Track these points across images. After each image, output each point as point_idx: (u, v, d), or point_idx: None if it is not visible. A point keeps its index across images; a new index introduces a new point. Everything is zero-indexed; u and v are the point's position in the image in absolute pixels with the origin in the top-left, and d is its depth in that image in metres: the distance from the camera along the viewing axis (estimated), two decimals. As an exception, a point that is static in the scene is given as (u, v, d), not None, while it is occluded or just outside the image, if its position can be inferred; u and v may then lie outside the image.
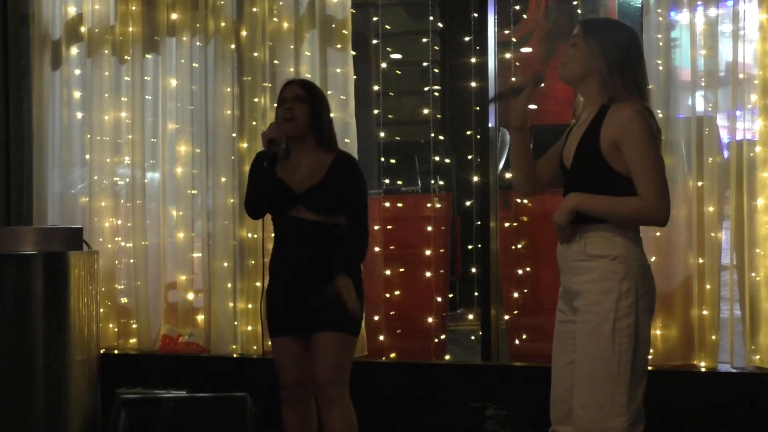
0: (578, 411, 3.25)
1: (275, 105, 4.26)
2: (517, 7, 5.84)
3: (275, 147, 4.08)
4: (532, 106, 3.49)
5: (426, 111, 6.17)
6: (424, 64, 6.74)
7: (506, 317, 5.55)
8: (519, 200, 5.70)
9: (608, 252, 3.22)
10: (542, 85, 3.47)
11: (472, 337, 6.32)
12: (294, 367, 4.14)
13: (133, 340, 5.99)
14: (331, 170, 4.12)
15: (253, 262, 5.69)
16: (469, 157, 5.53)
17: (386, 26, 6.22)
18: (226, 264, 5.74)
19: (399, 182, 6.95)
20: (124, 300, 6.01)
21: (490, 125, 5.38)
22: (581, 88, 3.39)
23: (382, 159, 6.12)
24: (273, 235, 4.25)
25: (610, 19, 3.52)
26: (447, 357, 5.77)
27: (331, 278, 4.02)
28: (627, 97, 3.24)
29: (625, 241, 3.22)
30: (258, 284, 5.65)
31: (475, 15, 5.51)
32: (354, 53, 5.71)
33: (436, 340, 5.73)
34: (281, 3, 5.78)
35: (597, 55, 3.29)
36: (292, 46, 5.72)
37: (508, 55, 5.65)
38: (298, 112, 4.11)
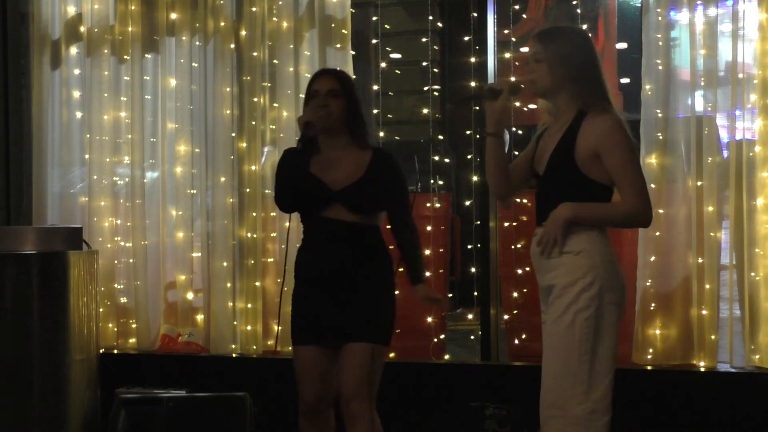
0: (542, 397, 3.36)
1: (302, 96, 4.05)
2: (517, 7, 5.82)
3: (312, 131, 3.78)
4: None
5: (425, 110, 6.17)
6: (424, 63, 6.73)
7: (506, 317, 5.55)
8: (518, 200, 5.70)
9: (573, 247, 3.34)
10: (519, 93, 3.57)
11: (472, 337, 6.31)
12: (317, 380, 3.90)
13: (132, 340, 5.99)
14: (371, 168, 3.88)
15: (252, 261, 5.69)
16: (469, 156, 5.53)
17: (386, 26, 6.20)
18: (225, 264, 5.74)
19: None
20: (123, 299, 6.01)
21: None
22: (553, 100, 3.48)
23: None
24: (302, 235, 4.00)
25: (562, 26, 3.70)
26: (446, 357, 5.77)
27: (367, 283, 3.87)
28: (598, 105, 3.34)
29: (588, 236, 3.34)
30: (257, 284, 5.66)
31: (475, 14, 5.50)
32: (353, 53, 5.70)
33: (436, 340, 5.73)
34: (281, 2, 5.78)
35: (561, 66, 3.37)
36: (291, 46, 5.72)
37: (507, 55, 5.65)
38: (333, 107, 3.85)
